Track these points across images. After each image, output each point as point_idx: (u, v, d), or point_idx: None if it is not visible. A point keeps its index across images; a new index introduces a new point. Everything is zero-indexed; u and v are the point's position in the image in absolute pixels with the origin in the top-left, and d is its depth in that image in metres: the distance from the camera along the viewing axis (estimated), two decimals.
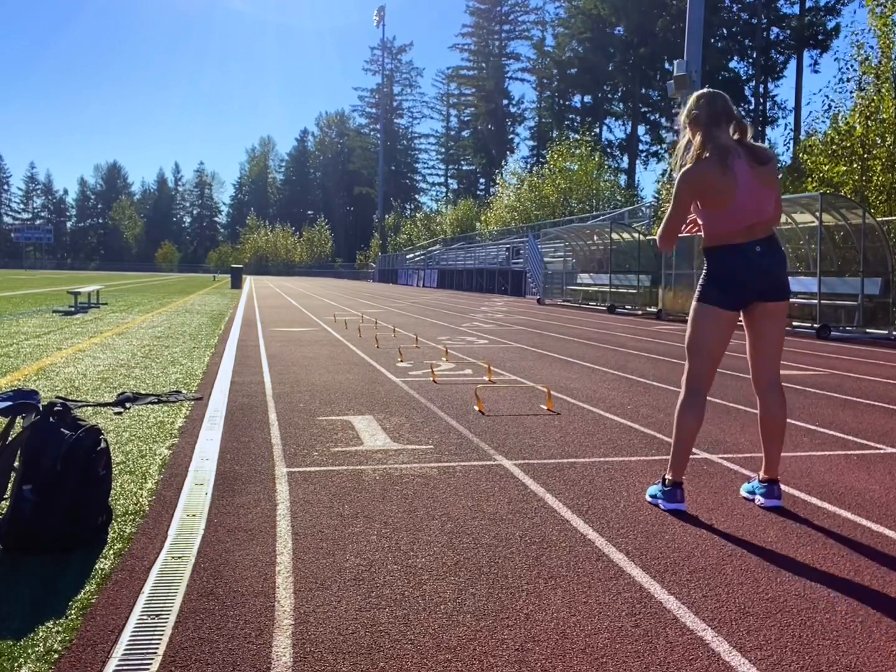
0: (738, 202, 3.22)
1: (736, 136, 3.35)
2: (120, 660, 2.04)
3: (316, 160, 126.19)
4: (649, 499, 3.51)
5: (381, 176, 78.88)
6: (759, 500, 3.49)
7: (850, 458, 4.42)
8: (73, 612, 2.31)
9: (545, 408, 5.81)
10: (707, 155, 3.27)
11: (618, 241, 21.97)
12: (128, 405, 5.58)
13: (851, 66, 19.62)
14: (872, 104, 18.36)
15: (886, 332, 13.53)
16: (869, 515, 3.35)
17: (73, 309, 16.08)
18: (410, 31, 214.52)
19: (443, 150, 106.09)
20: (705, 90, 3.47)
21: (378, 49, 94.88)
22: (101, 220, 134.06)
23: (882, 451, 4.61)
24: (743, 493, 3.63)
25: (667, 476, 3.43)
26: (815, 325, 13.69)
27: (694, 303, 3.42)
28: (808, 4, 53.85)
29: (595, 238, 23.63)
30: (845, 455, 4.50)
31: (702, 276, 3.42)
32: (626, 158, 67.80)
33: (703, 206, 3.31)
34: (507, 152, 60.47)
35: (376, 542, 2.92)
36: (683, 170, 3.34)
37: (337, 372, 7.72)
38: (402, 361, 8.57)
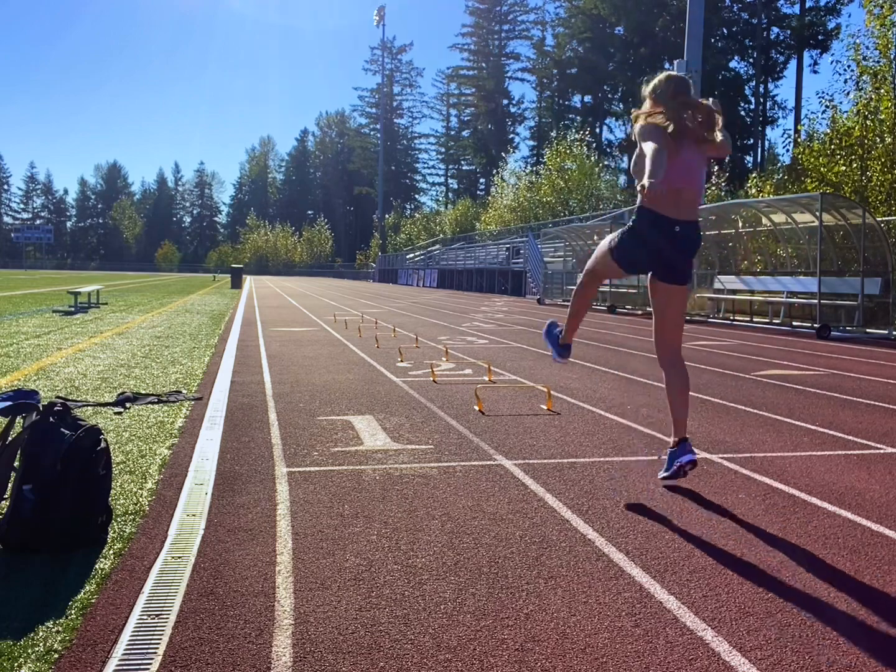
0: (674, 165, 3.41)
1: (699, 120, 3.54)
2: (120, 660, 2.04)
3: (316, 160, 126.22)
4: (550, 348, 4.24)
5: (381, 176, 78.91)
6: (679, 461, 3.57)
7: (850, 458, 4.42)
8: (73, 612, 2.31)
9: (545, 408, 5.82)
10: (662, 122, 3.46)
11: None
12: (128, 405, 5.58)
13: (849, 66, 19.61)
14: (871, 104, 18.35)
15: (886, 331, 13.53)
16: (869, 515, 3.35)
17: (73, 309, 16.07)
18: (410, 31, 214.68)
19: (443, 150, 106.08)
20: (674, 74, 3.69)
21: (378, 49, 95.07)
22: (101, 220, 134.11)
23: (882, 451, 4.61)
24: (661, 477, 3.74)
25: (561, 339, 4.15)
26: (815, 325, 13.69)
27: (606, 251, 3.70)
28: (808, 4, 53.93)
29: (595, 238, 23.63)
30: (845, 455, 4.50)
31: (627, 227, 3.62)
32: (626, 158, 67.82)
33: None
34: (507, 152, 60.48)
35: (376, 542, 2.92)
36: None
37: (337, 372, 7.72)
38: (402, 361, 8.57)
